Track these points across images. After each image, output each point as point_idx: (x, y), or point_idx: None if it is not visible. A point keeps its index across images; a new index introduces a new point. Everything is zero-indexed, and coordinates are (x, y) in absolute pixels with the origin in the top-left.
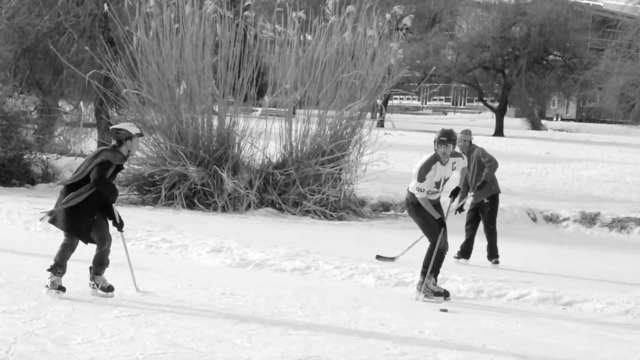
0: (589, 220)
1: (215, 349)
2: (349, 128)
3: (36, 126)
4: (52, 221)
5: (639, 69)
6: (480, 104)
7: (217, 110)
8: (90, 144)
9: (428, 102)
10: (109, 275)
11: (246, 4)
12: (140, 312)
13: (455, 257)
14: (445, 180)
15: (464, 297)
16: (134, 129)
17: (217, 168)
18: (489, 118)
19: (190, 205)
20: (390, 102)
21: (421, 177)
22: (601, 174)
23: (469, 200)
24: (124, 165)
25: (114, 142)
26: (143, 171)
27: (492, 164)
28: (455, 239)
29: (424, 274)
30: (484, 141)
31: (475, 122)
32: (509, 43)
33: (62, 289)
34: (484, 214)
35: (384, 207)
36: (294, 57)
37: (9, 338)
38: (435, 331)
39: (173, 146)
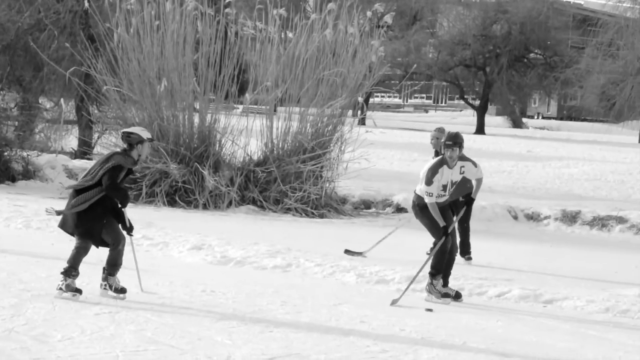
0: (570, 218)
1: (196, 346)
2: (330, 126)
3: (16, 123)
4: (62, 225)
5: (619, 68)
6: (462, 102)
7: (198, 107)
8: (71, 140)
9: (409, 100)
10: (90, 272)
11: (227, 1)
12: (120, 309)
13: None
14: (453, 184)
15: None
16: (145, 133)
17: (198, 165)
18: (470, 116)
19: (171, 203)
20: (371, 100)
21: (429, 180)
22: (582, 172)
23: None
24: (133, 170)
25: (124, 146)
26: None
27: None
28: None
29: (432, 275)
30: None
31: (456, 120)
32: (490, 41)
33: (78, 291)
34: (458, 212)
35: (365, 205)
36: (275, 55)
37: None
38: (416, 329)
39: (154, 143)
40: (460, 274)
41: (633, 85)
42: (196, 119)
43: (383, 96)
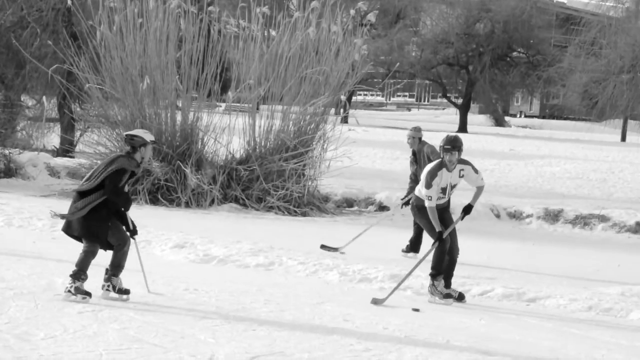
0: (552, 216)
1: (179, 345)
2: (312, 124)
3: None
4: (66, 229)
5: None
6: (444, 100)
7: (180, 105)
8: (53, 138)
9: (392, 98)
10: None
11: None
12: (103, 307)
13: (403, 251)
14: (453, 187)
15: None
16: (148, 136)
17: (181, 163)
18: (453, 114)
19: (154, 201)
20: (354, 98)
21: (428, 183)
22: (564, 170)
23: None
24: (136, 172)
25: (127, 149)
26: None
27: None
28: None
29: (432, 276)
30: None
31: (439, 119)
32: (473, 40)
33: (88, 294)
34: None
35: (348, 203)
36: (258, 53)
37: None
38: (399, 327)
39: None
40: None
41: (615, 84)
42: (179, 117)
43: (366, 94)
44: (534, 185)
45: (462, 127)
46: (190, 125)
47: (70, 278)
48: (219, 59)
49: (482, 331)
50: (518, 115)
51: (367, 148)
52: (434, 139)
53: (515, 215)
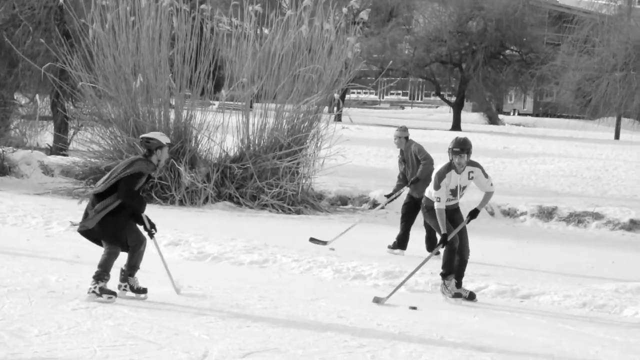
0: (546, 214)
1: (173, 341)
2: (306, 122)
3: None
4: (85, 234)
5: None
6: (438, 98)
7: (174, 103)
8: (47, 137)
9: (385, 96)
10: (66, 268)
11: None
12: (97, 304)
13: (389, 247)
14: (462, 189)
15: (422, 290)
16: (164, 138)
17: (175, 162)
18: (446, 112)
19: (148, 199)
20: (347, 96)
21: (436, 185)
22: (558, 168)
23: (405, 192)
24: (152, 175)
25: (144, 151)
26: (100, 164)
27: (427, 162)
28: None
29: (443, 275)
30: (442, 135)
31: (432, 117)
32: (466, 37)
33: (113, 293)
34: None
35: (342, 201)
36: (251, 51)
37: None
38: (394, 323)
39: (130, 139)
40: (437, 269)
41: (609, 82)
42: (172, 115)
43: (359, 92)
44: (528, 183)
45: (456, 125)
46: (184, 123)
47: (93, 279)
48: (211, 57)
49: (476, 327)
50: (511, 113)
51: (361, 146)
52: (428, 137)
53: (510, 213)
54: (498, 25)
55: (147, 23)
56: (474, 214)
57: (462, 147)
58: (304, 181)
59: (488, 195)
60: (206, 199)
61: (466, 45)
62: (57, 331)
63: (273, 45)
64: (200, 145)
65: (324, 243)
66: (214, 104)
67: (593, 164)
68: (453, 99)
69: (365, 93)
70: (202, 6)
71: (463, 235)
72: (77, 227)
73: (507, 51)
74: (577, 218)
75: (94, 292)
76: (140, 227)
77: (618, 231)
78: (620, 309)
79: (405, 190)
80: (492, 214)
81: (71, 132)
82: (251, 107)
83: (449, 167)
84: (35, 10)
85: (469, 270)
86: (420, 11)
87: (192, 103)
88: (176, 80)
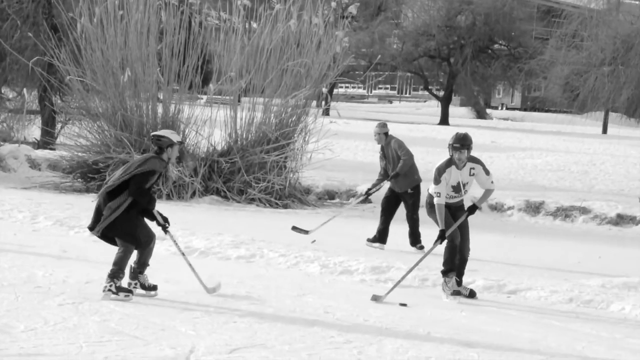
0: (534, 209)
1: (160, 337)
2: (294, 116)
3: None
4: (102, 236)
5: (583, 59)
6: (426, 92)
7: (161, 97)
8: (34, 131)
9: (373, 91)
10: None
11: None
12: (84, 300)
13: (368, 241)
14: (465, 185)
15: (409, 285)
16: (175, 137)
17: None
18: (435, 107)
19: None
20: (335, 91)
21: (436, 179)
22: (546, 162)
23: (386, 186)
24: (164, 173)
25: (155, 149)
26: (87, 158)
27: (407, 158)
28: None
29: (443, 273)
30: (429, 130)
31: (420, 111)
32: (455, 32)
33: (130, 291)
34: (407, 204)
35: (329, 196)
36: (239, 45)
37: None
38: (380, 319)
39: (117, 133)
40: (423, 264)
41: (597, 76)
42: (160, 109)
43: (347, 87)
44: (516, 178)
45: (444, 120)
46: (172, 117)
47: (108, 278)
48: (200, 51)
49: (463, 323)
50: (499, 108)
51: (349, 140)
52: (416, 132)
53: (497, 208)
54: (487, 19)
55: (135, 17)
56: (472, 209)
57: (462, 142)
58: (291, 175)
59: (488, 193)
60: (193, 193)
61: (455, 39)
62: (44, 327)
63: (261, 39)
64: (187, 140)
65: (306, 232)
66: (202, 98)
67: (580, 158)
68: (441, 93)
69: (353, 87)
70: (191, 0)
71: (465, 233)
72: (94, 232)
73: (496, 45)
74: (564, 213)
75: (109, 290)
76: (152, 223)
77: (605, 226)
78: (606, 305)
79: (387, 185)
80: (479, 208)
81: (59, 126)
82: (239, 101)
83: (450, 162)
84: (23, 4)
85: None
86: (409, 5)
87: (180, 97)
88: (164, 74)
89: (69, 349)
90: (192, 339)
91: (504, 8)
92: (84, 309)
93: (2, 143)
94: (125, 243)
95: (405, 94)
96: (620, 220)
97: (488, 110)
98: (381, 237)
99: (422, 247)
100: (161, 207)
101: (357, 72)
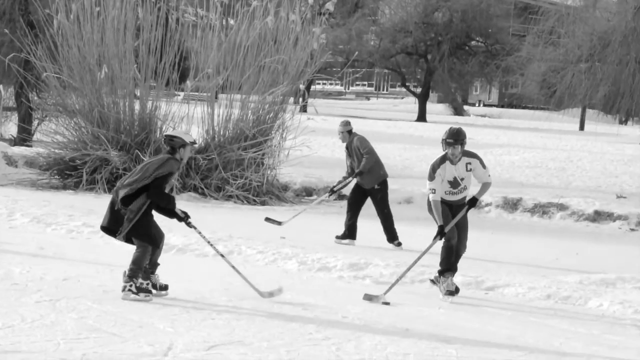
0: (511, 205)
1: (138, 334)
2: (271, 113)
3: None
4: (123, 238)
5: (560, 56)
6: (403, 89)
7: (138, 94)
8: (10, 127)
9: (351, 87)
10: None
11: None
12: (61, 297)
13: (337, 238)
14: (462, 180)
15: (387, 282)
16: (188, 137)
17: (139, 152)
18: (412, 103)
19: (112, 190)
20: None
21: (430, 176)
22: (523, 159)
23: (353, 182)
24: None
25: (167, 149)
26: (64, 155)
27: (369, 156)
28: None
29: (440, 273)
30: (407, 127)
31: (398, 108)
32: (432, 29)
33: (150, 292)
34: (376, 199)
35: (307, 192)
36: (216, 42)
37: None
38: (358, 316)
39: (94, 130)
40: (401, 260)
41: (574, 73)
42: (137, 106)
43: (324, 83)
44: (493, 174)
45: (421, 116)
46: (149, 114)
47: (127, 277)
48: (177, 48)
49: (441, 319)
50: (477, 104)
51: (326, 137)
52: (393, 128)
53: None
54: (464, 16)
55: (112, 14)
56: (472, 202)
57: (455, 138)
58: (269, 172)
59: (486, 186)
60: (171, 190)
61: (432, 36)
62: (21, 324)
63: (239, 36)
64: None
65: (279, 223)
66: (179, 95)
67: (558, 155)
68: (419, 90)
69: (330, 84)
70: None
71: (462, 230)
72: (119, 238)
73: (473, 42)
74: (541, 209)
75: (129, 290)
76: (172, 220)
77: (582, 222)
78: (584, 301)
79: (353, 182)
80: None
81: (35, 122)
82: (216, 98)
83: (444, 158)
84: None
85: (433, 261)
86: (386, 2)
87: (157, 94)
88: (141, 71)
89: (46, 346)
90: (170, 336)
91: (481, 5)
92: (61, 306)
93: None
94: (143, 243)
95: (383, 90)
96: (598, 216)
97: (465, 107)
98: (350, 232)
99: (399, 244)
100: None
101: (334, 69)
